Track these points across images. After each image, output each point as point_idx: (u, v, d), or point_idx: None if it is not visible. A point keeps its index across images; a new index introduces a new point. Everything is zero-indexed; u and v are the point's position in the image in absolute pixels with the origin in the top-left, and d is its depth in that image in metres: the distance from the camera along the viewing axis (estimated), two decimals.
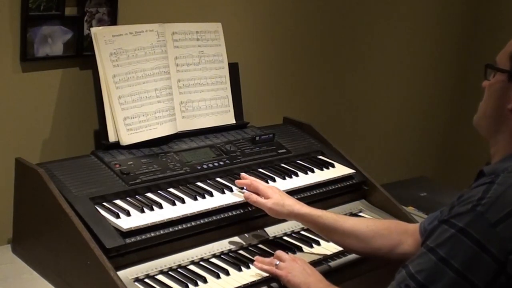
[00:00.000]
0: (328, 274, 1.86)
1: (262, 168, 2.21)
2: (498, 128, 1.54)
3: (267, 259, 1.86)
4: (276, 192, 1.98)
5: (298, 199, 2.12)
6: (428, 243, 1.43)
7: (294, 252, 1.97)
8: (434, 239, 1.42)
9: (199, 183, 2.05)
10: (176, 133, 2.21)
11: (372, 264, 2.00)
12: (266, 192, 1.97)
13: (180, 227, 1.87)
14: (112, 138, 2.08)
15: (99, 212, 1.81)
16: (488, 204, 1.38)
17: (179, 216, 1.86)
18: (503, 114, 1.52)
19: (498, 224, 1.36)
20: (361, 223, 1.94)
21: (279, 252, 1.88)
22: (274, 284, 1.84)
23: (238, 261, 1.89)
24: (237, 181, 2.04)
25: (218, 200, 1.97)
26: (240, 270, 1.85)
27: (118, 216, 1.80)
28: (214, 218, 1.94)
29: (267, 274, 1.83)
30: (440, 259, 1.39)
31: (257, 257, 1.87)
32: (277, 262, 1.82)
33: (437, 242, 1.41)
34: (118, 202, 1.88)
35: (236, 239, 1.99)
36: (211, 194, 1.99)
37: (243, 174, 2.08)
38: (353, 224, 1.91)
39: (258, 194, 1.98)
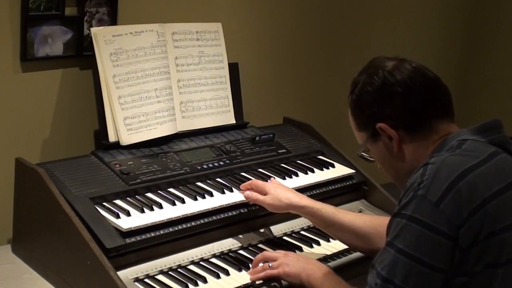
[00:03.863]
0: None
1: (262, 168, 2.21)
2: (405, 172, 1.59)
3: (258, 267, 1.82)
4: (274, 186, 1.98)
5: None
6: (387, 239, 1.47)
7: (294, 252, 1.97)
8: (390, 234, 1.46)
9: (199, 183, 2.05)
10: (176, 133, 2.21)
11: None
12: (264, 187, 1.97)
13: (180, 227, 1.87)
14: (112, 138, 2.08)
15: (99, 212, 1.81)
16: (427, 186, 1.41)
17: (179, 216, 1.86)
18: (400, 157, 1.60)
19: (440, 202, 1.39)
20: (359, 218, 1.94)
21: (266, 253, 1.85)
22: (274, 284, 1.83)
23: (238, 261, 1.89)
24: (241, 186, 2.04)
25: (218, 200, 1.97)
26: (240, 270, 1.85)
27: (118, 216, 1.80)
28: (214, 218, 1.94)
29: None
30: (397, 250, 1.42)
31: (249, 271, 1.83)
32: (270, 264, 1.80)
33: (392, 236, 1.44)
34: (118, 202, 1.88)
35: (236, 239, 1.99)
36: (211, 194, 1.99)
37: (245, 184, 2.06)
38: (351, 219, 1.92)
39: (258, 190, 1.98)
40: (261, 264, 1.82)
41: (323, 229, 1.99)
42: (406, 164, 1.60)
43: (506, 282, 1.42)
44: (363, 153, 1.71)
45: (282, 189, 1.98)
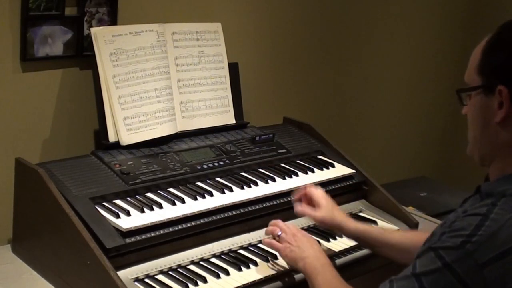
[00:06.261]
0: None
1: (262, 168, 2.21)
2: (491, 147, 1.46)
3: (270, 228, 1.90)
4: (328, 203, 1.96)
5: None
6: (415, 267, 1.39)
7: None
8: (421, 265, 1.37)
9: (199, 183, 2.05)
10: (176, 133, 2.21)
11: (378, 261, 2.01)
12: (319, 201, 1.96)
13: (180, 227, 1.87)
14: (112, 138, 2.08)
15: (99, 212, 1.81)
16: (478, 243, 1.31)
17: (179, 216, 1.86)
18: (493, 132, 1.44)
19: (486, 266, 1.30)
20: (405, 236, 1.93)
21: (280, 223, 1.91)
22: (274, 284, 1.84)
23: (238, 261, 1.89)
24: (295, 196, 2.03)
25: (218, 200, 1.97)
26: (240, 270, 1.85)
27: (118, 216, 1.80)
28: (214, 218, 1.94)
29: (267, 274, 1.84)
30: None
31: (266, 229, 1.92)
32: (279, 233, 1.86)
33: (422, 270, 1.36)
34: (118, 202, 1.88)
35: (236, 239, 1.99)
36: (211, 194, 1.99)
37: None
38: (398, 238, 1.92)
39: (310, 201, 1.97)
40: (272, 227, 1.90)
41: (371, 250, 1.99)
42: (493, 141, 1.45)
43: None
44: (461, 92, 1.50)
45: (334, 207, 1.96)
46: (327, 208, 1.95)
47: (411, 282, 1.37)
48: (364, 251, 2.04)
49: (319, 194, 1.99)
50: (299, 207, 1.98)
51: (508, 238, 1.32)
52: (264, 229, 1.95)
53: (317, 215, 1.95)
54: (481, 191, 1.46)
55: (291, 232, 1.86)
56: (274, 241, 1.86)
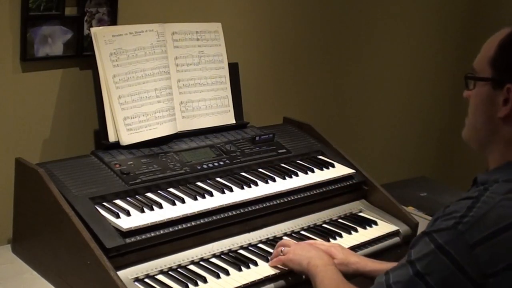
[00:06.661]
0: None
1: (262, 168, 2.21)
2: (491, 139, 1.48)
3: (275, 252, 1.89)
4: (339, 251, 1.91)
5: (298, 199, 2.14)
6: (410, 254, 1.41)
7: None
8: (415, 252, 1.40)
9: (199, 183, 2.05)
10: (176, 133, 2.21)
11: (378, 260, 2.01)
12: (329, 251, 1.90)
13: (180, 227, 1.87)
14: (112, 138, 2.08)
15: (99, 212, 1.81)
16: (469, 224, 1.34)
17: (179, 216, 1.86)
18: (494, 124, 1.46)
19: (477, 246, 1.32)
20: None
21: (284, 240, 1.92)
22: (274, 284, 1.84)
23: (238, 261, 1.90)
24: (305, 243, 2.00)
25: (218, 200, 1.97)
26: (240, 270, 1.85)
27: (118, 216, 1.80)
28: (214, 218, 1.94)
29: (267, 274, 1.84)
30: (416, 273, 1.37)
31: (271, 257, 1.90)
32: (283, 249, 1.86)
33: (417, 256, 1.38)
34: (118, 202, 1.88)
35: (236, 239, 1.99)
36: (211, 194, 1.99)
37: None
38: None
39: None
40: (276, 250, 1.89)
41: None
42: (496, 136, 1.47)
43: None
44: (469, 78, 1.51)
45: (347, 253, 1.91)
46: (339, 256, 1.88)
47: (406, 269, 1.39)
48: (364, 251, 2.04)
49: (327, 244, 1.96)
50: None
51: (498, 219, 1.34)
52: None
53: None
54: (477, 182, 1.48)
55: (293, 243, 1.88)
56: (278, 257, 1.85)
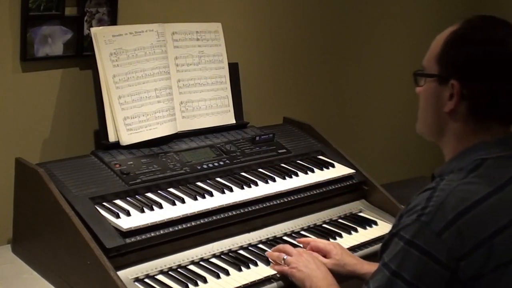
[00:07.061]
0: None
1: (262, 168, 2.20)
2: (442, 132, 1.54)
3: (275, 253, 1.88)
4: (338, 250, 1.91)
5: (298, 199, 2.13)
6: (383, 258, 1.44)
7: None
8: (387, 254, 1.42)
9: (199, 183, 2.05)
10: (176, 133, 2.21)
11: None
12: (327, 249, 1.91)
13: (180, 227, 1.87)
14: (112, 138, 2.08)
15: (99, 212, 1.81)
16: (431, 213, 1.37)
17: (179, 216, 1.86)
18: (442, 119, 1.51)
19: (443, 233, 1.35)
20: None
21: (286, 246, 1.90)
22: (274, 284, 1.84)
23: (238, 261, 1.89)
24: (298, 240, 2.01)
25: (218, 200, 1.97)
26: (240, 270, 1.85)
27: (118, 216, 1.80)
28: (214, 218, 1.94)
29: (267, 274, 1.84)
30: (392, 273, 1.39)
31: (267, 253, 1.91)
32: (285, 257, 1.84)
33: (389, 257, 1.41)
34: (118, 202, 1.88)
35: (236, 239, 1.99)
36: (211, 194, 1.99)
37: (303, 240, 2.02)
38: None
39: (320, 253, 1.92)
40: (278, 254, 1.88)
41: None
42: (446, 129, 1.52)
43: None
44: (417, 75, 1.57)
45: (345, 254, 1.91)
46: (337, 256, 1.89)
47: (382, 272, 1.42)
48: (364, 251, 2.04)
49: (325, 242, 1.97)
50: (309, 253, 1.90)
51: (458, 203, 1.37)
52: (267, 253, 1.91)
53: (327, 263, 1.87)
54: (434, 176, 1.52)
55: (297, 253, 1.86)
56: (281, 267, 1.84)
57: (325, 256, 1.90)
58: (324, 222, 2.18)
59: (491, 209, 1.38)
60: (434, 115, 1.53)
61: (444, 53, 1.51)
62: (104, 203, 1.86)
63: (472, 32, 1.51)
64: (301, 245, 1.99)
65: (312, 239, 2.01)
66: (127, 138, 2.09)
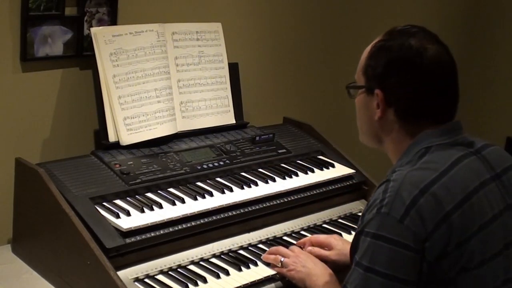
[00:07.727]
0: None
1: (262, 168, 2.21)
2: (379, 139, 1.63)
3: (272, 256, 1.88)
4: (338, 241, 1.94)
5: (298, 199, 2.14)
6: (355, 258, 1.47)
7: None
8: (358, 253, 1.46)
9: (199, 183, 2.05)
10: (176, 133, 2.21)
11: None
12: (328, 242, 1.93)
13: (180, 227, 1.87)
14: (112, 138, 2.08)
15: (99, 212, 1.81)
16: (389, 203, 1.42)
17: (179, 216, 1.86)
18: (375, 127, 1.61)
19: (404, 218, 1.40)
20: None
21: (280, 248, 1.90)
22: (274, 284, 1.84)
23: (238, 261, 1.90)
24: (298, 242, 2.01)
25: (218, 200, 1.97)
26: (240, 270, 1.85)
27: (118, 216, 1.80)
28: (214, 218, 1.94)
29: (267, 274, 1.84)
30: (366, 269, 1.42)
31: (264, 255, 1.90)
32: (282, 259, 1.84)
33: (360, 256, 1.45)
34: (118, 202, 1.88)
35: (236, 239, 1.99)
36: (211, 194, 1.99)
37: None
38: None
39: (321, 246, 1.94)
40: (274, 256, 1.88)
41: None
42: (383, 135, 1.61)
43: (478, 284, 1.44)
44: (351, 89, 1.70)
45: (346, 244, 1.91)
46: (338, 246, 1.91)
47: (356, 271, 1.45)
48: None
49: (325, 235, 1.99)
50: (311, 249, 1.93)
51: (412, 189, 1.43)
52: (264, 256, 1.91)
53: (330, 255, 1.90)
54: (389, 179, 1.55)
55: (294, 254, 1.86)
56: (280, 269, 1.84)
57: (327, 249, 1.91)
58: (324, 222, 2.19)
59: (445, 188, 1.44)
60: (368, 124, 1.63)
61: (367, 65, 1.61)
62: (104, 203, 1.86)
63: (390, 41, 1.60)
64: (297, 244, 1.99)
65: (312, 236, 2.01)
66: (127, 138, 2.09)
